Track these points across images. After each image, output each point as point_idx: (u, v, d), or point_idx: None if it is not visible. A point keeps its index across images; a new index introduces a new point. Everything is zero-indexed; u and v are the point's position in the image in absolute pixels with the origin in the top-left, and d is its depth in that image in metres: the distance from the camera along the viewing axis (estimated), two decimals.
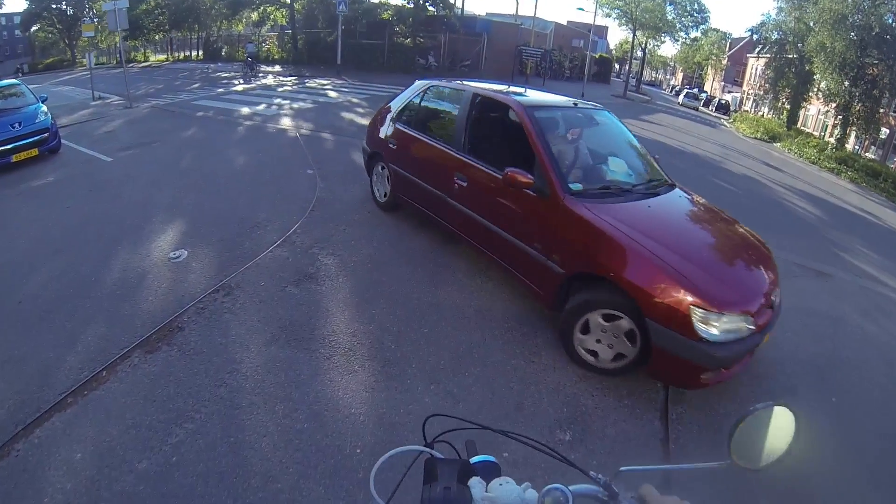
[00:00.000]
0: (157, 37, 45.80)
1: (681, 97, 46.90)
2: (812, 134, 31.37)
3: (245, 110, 13.66)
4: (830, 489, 2.93)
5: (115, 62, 35.95)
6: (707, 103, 47.89)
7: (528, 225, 3.90)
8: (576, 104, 4.83)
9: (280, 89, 18.90)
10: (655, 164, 4.67)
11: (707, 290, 3.02)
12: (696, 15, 37.70)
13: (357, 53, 29.48)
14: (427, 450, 1.13)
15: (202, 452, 2.75)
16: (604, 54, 47.81)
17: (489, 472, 1.06)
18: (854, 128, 27.56)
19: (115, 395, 3.19)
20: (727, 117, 40.59)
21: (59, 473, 2.61)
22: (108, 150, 9.49)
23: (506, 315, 4.16)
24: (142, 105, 15.24)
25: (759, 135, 28.53)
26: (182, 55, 44.26)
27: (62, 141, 9.92)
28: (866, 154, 28.44)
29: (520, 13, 36.16)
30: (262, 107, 14.26)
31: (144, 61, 43.47)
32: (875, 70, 25.06)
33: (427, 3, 30.89)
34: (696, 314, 2.94)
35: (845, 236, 8.98)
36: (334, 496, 2.54)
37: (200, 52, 42.01)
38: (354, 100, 16.42)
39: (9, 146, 8.63)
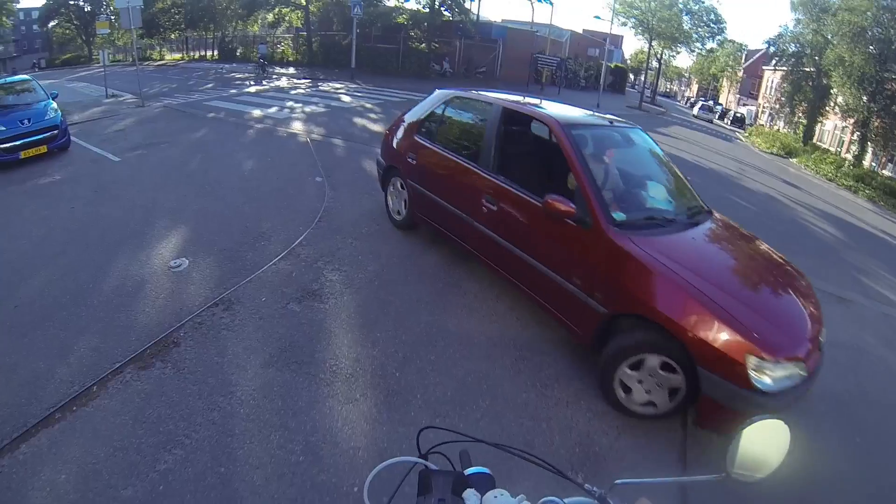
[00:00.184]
0: (173, 35, 46.20)
1: (695, 109, 46.55)
2: (828, 150, 30.91)
3: (257, 112, 13.56)
4: None
5: (131, 60, 36.19)
6: (722, 116, 47.51)
7: (566, 258, 3.58)
8: (612, 122, 4.53)
9: (293, 92, 18.84)
10: (692, 189, 4.40)
11: (763, 336, 2.79)
12: (712, 25, 37.43)
13: (371, 57, 29.47)
14: (421, 461, 1.14)
15: (190, 482, 2.60)
16: (619, 64, 47.50)
17: (484, 484, 1.05)
18: (872, 144, 27.10)
19: (105, 413, 3.05)
20: (742, 131, 40.21)
21: (42, 495, 2.50)
22: (117, 150, 9.43)
23: (517, 342, 3.94)
24: (154, 104, 15.21)
25: (774, 150, 28.29)
26: (197, 55, 44.53)
27: (72, 138, 9.92)
28: (884, 171, 27.97)
29: (536, 20, 35.97)
30: (273, 109, 14.16)
31: (160, 60, 43.80)
32: (895, 85, 24.61)
33: (443, 8, 30.77)
34: (751, 362, 2.71)
35: (864, 258, 8.75)
36: None
37: (216, 52, 42.20)
38: (368, 105, 16.29)
39: (17, 142, 8.63)
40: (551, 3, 33.14)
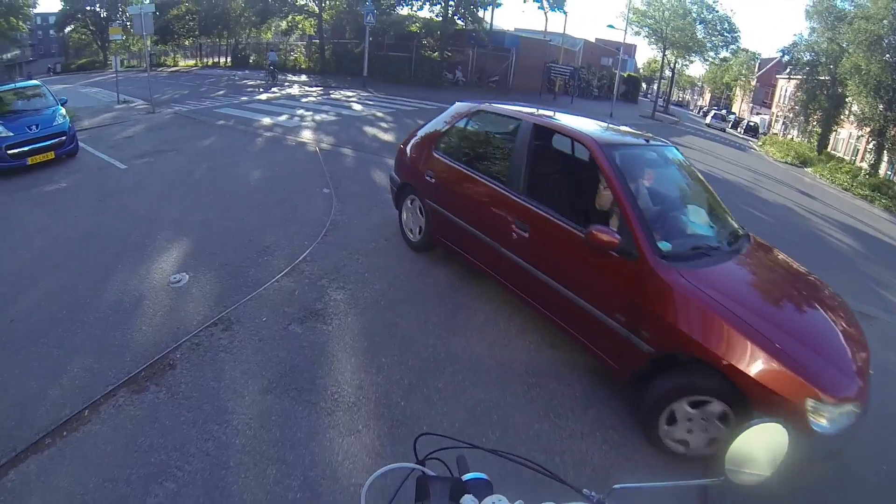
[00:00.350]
0: (187, 42, 46.62)
1: (708, 118, 46.40)
2: (843, 158, 30.57)
3: (266, 121, 13.46)
4: None
5: (144, 66, 36.54)
6: (735, 125, 47.21)
7: (608, 291, 3.30)
8: (648, 140, 4.21)
9: (304, 99, 18.78)
10: (728, 211, 4.14)
11: (822, 378, 2.59)
12: (726, 35, 37.09)
13: (384, 65, 29.44)
14: (419, 467, 1.13)
15: None
16: (632, 73, 47.34)
17: (481, 489, 1.03)
18: (889, 153, 26.69)
19: (96, 439, 2.91)
20: (756, 140, 39.89)
21: None
22: (124, 157, 9.37)
23: (529, 368, 3.73)
24: (165, 110, 15.20)
25: (789, 159, 28.05)
26: (210, 61, 44.84)
27: (80, 144, 9.92)
28: None
29: (549, 29, 35.91)
30: (283, 117, 14.06)
31: (174, 66, 44.17)
32: None
33: (456, 17, 30.71)
34: (810, 405, 2.52)
35: (884, 271, 8.53)
36: None
37: (229, 59, 42.46)
38: (379, 114, 16.15)
39: (25, 148, 8.63)
40: (565, 12, 33.05)
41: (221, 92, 21.22)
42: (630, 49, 49.37)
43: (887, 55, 23.80)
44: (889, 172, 26.98)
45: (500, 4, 36.54)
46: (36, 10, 42.56)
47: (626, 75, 40.45)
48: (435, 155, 4.95)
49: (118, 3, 43.36)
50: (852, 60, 24.84)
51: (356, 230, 5.96)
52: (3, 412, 3.06)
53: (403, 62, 29.96)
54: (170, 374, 3.44)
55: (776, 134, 42.97)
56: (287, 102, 17.61)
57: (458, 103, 5.23)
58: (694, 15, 35.91)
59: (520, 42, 32.43)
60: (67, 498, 2.52)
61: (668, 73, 42.72)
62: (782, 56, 36.55)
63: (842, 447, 2.67)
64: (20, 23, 36.19)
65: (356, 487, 2.66)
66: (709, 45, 37.57)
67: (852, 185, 21.74)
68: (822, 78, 30.66)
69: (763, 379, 2.60)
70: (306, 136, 11.68)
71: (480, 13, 31.31)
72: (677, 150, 4.38)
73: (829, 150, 32.44)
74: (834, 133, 33.15)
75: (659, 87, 44.11)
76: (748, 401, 2.66)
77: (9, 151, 8.37)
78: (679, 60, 40.39)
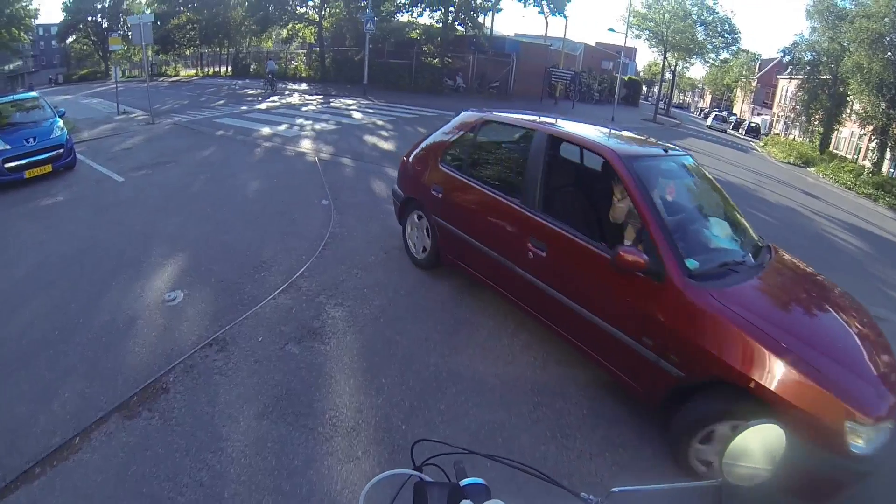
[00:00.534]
0: (188, 51, 46.76)
1: (709, 120, 46.37)
2: (845, 157, 30.48)
3: (265, 130, 13.36)
4: None
5: (148, 75, 36.68)
6: (736, 126, 47.13)
7: (634, 314, 3.12)
8: (666, 150, 4.00)
9: (304, 108, 18.72)
10: (745, 221, 3.97)
11: (860, 399, 2.48)
12: (726, 36, 37.05)
13: (384, 73, 29.40)
14: (416, 473, 1.13)
15: None
16: (633, 77, 47.28)
17: (479, 494, 1.02)
18: (892, 151, 26.55)
19: (87, 468, 2.80)
20: (758, 140, 39.77)
21: None
22: (122, 170, 9.31)
23: (535, 386, 3.59)
24: (164, 121, 15.15)
25: (791, 159, 27.98)
26: (211, 70, 44.95)
27: (78, 157, 9.88)
28: None
29: (549, 34, 35.86)
30: (283, 127, 13.96)
31: (175, 76, 44.30)
32: None
33: (456, 23, 30.64)
34: (848, 427, 2.41)
35: (891, 272, 8.41)
36: None
37: (229, 68, 42.53)
38: (379, 122, 16.03)
39: (23, 161, 8.57)
40: (565, 17, 33.03)
41: (221, 101, 21.20)
42: (630, 52, 49.34)
43: (889, 53, 23.74)
44: (892, 170, 26.88)
45: (500, 10, 36.50)
46: (38, 21, 42.80)
47: (626, 79, 40.36)
48: (441, 168, 4.73)
49: (120, 13, 43.57)
50: (854, 59, 24.80)
51: (355, 243, 5.83)
52: None
53: (404, 69, 29.92)
54: (163, 399, 3.33)
55: (778, 134, 42.84)
56: (287, 111, 17.54)
57: (464, 113, 5.01)
58: (694, 17, 35.88)
59: (520, 47, 32.35)
60: None
61: (668, 75, 42.64)
62: (783, 56, 36.58)
63: (874, 469, 2.55)
64: (21, 34, 36.29)
65: None
66: (709, 46, 37.55)
67: (856, 185, 21.64)
68: (824, 77, 30.64)
69: (801, 403, 2.49)
70: (305, 145, 11.58)
71: (481, 19, 31.35)
72: (693, 158, 4.21)
73: (831, 149, 32.38)
74: (836, 132, 33.07)
75: (660, 90, 44.06)
76: (785, 424, 2.51)
77: (6, 165, 8.31)
78: (680, 63, 40.35)
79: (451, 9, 29.92)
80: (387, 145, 12.22)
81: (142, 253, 5.52)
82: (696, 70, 74.91)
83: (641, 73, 65.91)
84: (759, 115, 53.87)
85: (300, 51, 38.98)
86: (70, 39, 51.43)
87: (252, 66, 39.76)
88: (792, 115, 40.24)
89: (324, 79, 32.73)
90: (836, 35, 27.65)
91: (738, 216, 3.91)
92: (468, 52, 30.66)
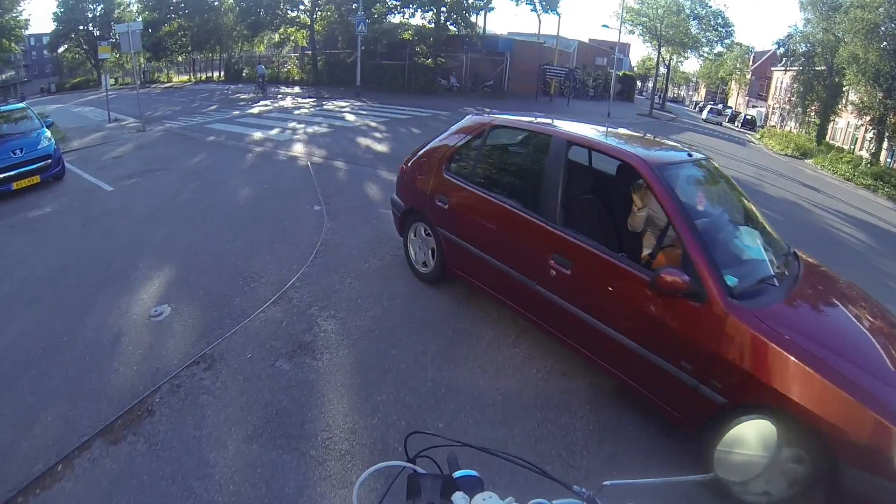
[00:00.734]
0: (180, 58, 46.55)
1: (704, 113, 46.41)
2: (842, 148, 30.40)
3: (257, 135, 13.18)
4: None
5: (139, 82, 36.54)
6: (732, 119, 47.05)
7: (672, 337, 2.90)
8: (690, 155, 3.69)
9: (297, 112, 18.52)
10: (769, 226, 3.73)
11: None
12: (720, 29, 37.00)
13: (377, 74, 29.19)
14: (409, 465, 1.14)
15: None
16: (627, 72, 47.09)
17: (472, 486, 1.03)
18: (889, 141, 26.46)
19: (69, 498, 2.67)
20: (754, 133, 39.69)
21: None
22: (111, 179, 9.16)
23: (538, 400, 3.40)
24: (155, 128, 14.99)
25: (789, 151, 27.89)
26: (204, 76, 44.74)
27: (68, 166, 9.77)
28: None
29: (542, 32, 35.64)
30: (275, 131, 13.77)
31: (167, 82, 44.12)
32: None
33: (448, 23, 30.43)
34: None
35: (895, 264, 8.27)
36: None
37: (222, 73, 42.33)
38: (372, 123, 15.83)
39: (11, 173, 8.43)
40: (558, 14, 32.87)
41: (213, 107, 21.02)
42: (624, 48, 49.19)
43: (885, 42, 23.63)
44: (889, 160, 26.79)
45: (492, 8, 36.26)
46: (29, 31, 42.56)
47: (621, 74, 40.14)
48: (446, 176, 4.40)
49: (111, 21, 43.30)
50: (849, 49, 24.72)
51: (348, 250, 5.64)
52: None
53: (397, 70, 29.69)
54: (148, 422, 3.16)
55: (774, 126, 42.77)
56: (279, 115, 17.36)
57: (469, 116, 4.70)
58: (687, 11, 35.80)
59: (514, 45, 32.10)
60: None
61: (662, 70, 42.53)
62: (778, 48, 36.56)
63: None
64: (12, 45, 36.01)
65: None
66: (703, 40, 37.47)
67: (854, 176, 21.55)
68: (819, 68, 30.55)
69: (852, 429, 2.34)
70: (298, 149, 11.40)
71: (473, 18, 31.15)
72: (711, 160, 3.95)
73: (827, 140, 32.28)
74: (832, 123, 33.00)
75: (655, 85, 43.90)
76: (837, 454, 2.39)
77: None
78: (674, 57, 40.25)
79: (443, 9, 29.74)
80: (380, 147, 12.05)
81: (129, 265, 5.36)
82: (691, 64, 74.90)
83: (635, 69, 65.77)
84: (754, 107, 53.80)
85: (293, 54, 38.77)
86: (62, 49, 51.12)
87: (244, 71, 39.53)
88: (787, 107, 40.23)
89: (317, 82, 32.53)
90: (830, 26, 27.55)
91: (763, 221, 3.69)
92: (461, 52, 30.43)
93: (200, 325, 4.20)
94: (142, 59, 44.44)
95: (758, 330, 2.62)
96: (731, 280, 2.80)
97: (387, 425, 3.12)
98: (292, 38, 36.99)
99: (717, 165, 3.93)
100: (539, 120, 4.25)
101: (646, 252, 3.54)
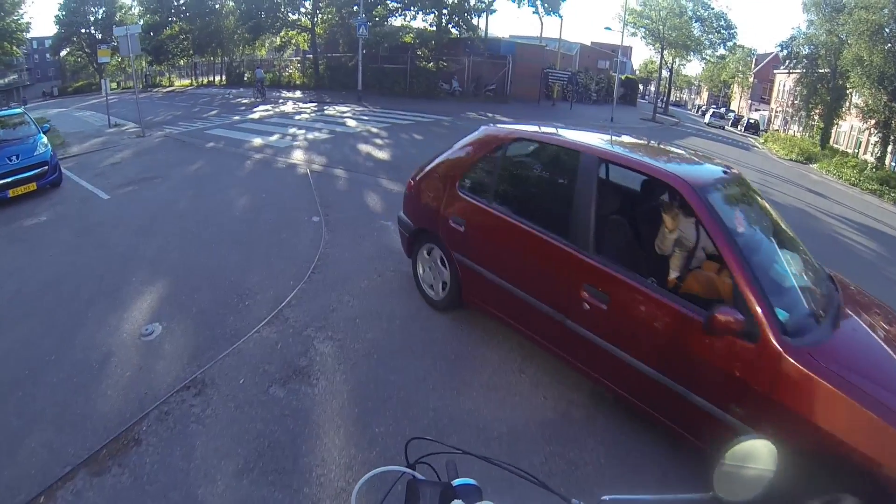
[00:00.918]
0: (181, 62, 46.56)
1: (707, 117, 46.24)
2: (846, 152, 30.23)
3: (257, 141, 13.03)
4: None
5: (141, 86, 36.48)
6: (735, 123, 46.86)
7: (722, 380, 2.64)
8: (726, 172, 3.40)
9: (297, 117, 18.37)
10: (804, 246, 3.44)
11: None
12: (723, 31, 36.78)
13: (378, 78, 29.11)
14: (409, 471, 1.16)
15: None
16: (629, 76, 46.95)
17: (471, 495, 1.02)
18: (895, 145, 26.28)
19: None
20: (758, 137, 39.51)
21: None
22: (108, 186, 9.04)
23: (545, 432, 3.21)
24: (155, 133, 14.87)
25: (793, 156, 27.73)
26: (206, 80, 44.72)
27: (65, 173, 9.67)
28: None
29: (544, 35, 35.56)
30: (275, 137, 13.60)
31: (169, 86, 44.07)
32: None
33: (450, 26, 30.35)
34: None
35: None
36: None
37: (223, 77, 42.30)
38: (374, 129, 15.66)
39: (8, 180, 8.32)
40: (560, 17, 32.76)
41: (214, 112, 20.91)
42: (626, 51, 49.06)
43: (889, 44, 23.50)
44: (894, 164, 26.59)
45: (494, 11, 36.16)
46: (31, 35, 42.63)
47: (623, 77, 40.00)
48: (461, 195, 4.05)
49: (112, 24, 43.36)
50: (853, 52, 24.65)
51: (347, 265, 5.44)
52: None
53: (398, 74, 29.59)
54: (134, 452, 3.00)
55: (777, 130, 42.59)
56: (279, 121, 17.23)
57: (484, 128, 4.31)
58: (690, 13, 35.62)
59: (516, 49, 31.99)
60: None
61: (665, 73, 42.36)
62: (780, 50, 36.48)
63: None
64: (14, 48, 36.02)
65: None
66: (706, 42, 37.29)
67: (860, 180, 21.39)
68: (823, 71, 30.42)
69: None
70: (297, 156, 11.23)
71: (475, 21, 31.08)
72: (744, 175, 3.62)
73: (831, 143, 32.13)
74: (836, 126, 32.82)
75: (658, 89, 43.71)
76: (890, 495, 2.17)
77: None
78: (677, 60, 40.09)
79: (445, 11, 29.68)
80: (381, 154, 11.89)
81: (121, 279, 5.21)
82: (693, 67, 74.69)
83: (637, 72, 65.65)
84: (756, 110, 53.65)
85: (294, 58, 38.72)
86: (64, 52, 51.30)
87: (246, 75, 39.57)
88: (790, 111, 40.06)
89: (318, 86, 32.45)
90: (833, 28, 27.46)
91: (799, 242, 3.42)
92: (463, 55, 30.30)
93: (192, 345, 4.03)
94: (143, 63, 44.46)
95: (815, 371, 2.38)
96: (782, 314, 2.56)
97: (385, 461, 2.92)
98: (293, 41, 36.96)
99: (748, 180, 3.66)
100: (564, 133, 3.93)
101: (673, 276, 3.29)
